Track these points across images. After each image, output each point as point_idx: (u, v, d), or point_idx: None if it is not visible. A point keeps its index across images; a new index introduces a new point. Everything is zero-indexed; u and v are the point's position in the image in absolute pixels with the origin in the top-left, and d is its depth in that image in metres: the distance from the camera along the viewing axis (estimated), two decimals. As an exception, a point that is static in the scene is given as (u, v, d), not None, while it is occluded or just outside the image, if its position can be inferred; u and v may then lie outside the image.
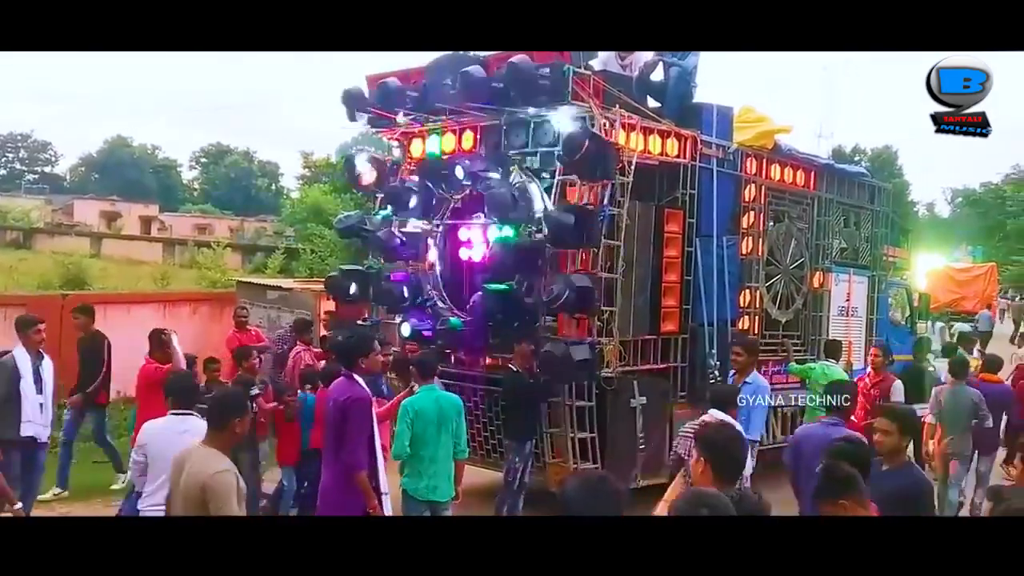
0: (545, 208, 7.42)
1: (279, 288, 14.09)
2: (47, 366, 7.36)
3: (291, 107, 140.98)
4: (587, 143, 6.98)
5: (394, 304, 8.90)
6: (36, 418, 7.14)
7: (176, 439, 4.67)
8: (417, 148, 8.89)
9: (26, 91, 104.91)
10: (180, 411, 5.08)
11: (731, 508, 2.78)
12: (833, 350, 9.45)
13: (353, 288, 9.06)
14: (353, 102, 8.62)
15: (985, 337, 21.40)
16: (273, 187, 78.47)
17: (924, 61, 4.74)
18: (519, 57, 7.28)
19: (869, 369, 9.09)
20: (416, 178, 8.70)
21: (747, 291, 9.32)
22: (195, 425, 4.84)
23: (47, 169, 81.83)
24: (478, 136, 8.27)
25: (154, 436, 5.05)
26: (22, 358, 7.19)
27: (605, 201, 7.50)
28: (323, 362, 8.45)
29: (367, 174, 9.10)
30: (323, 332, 10.61)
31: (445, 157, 8.42)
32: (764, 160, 9.54)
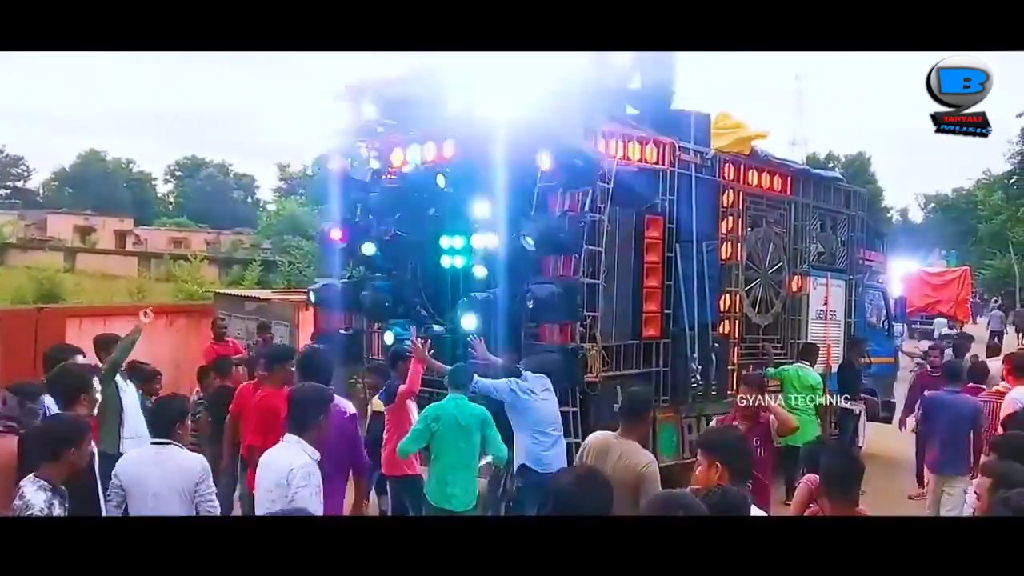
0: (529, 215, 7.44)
1: (257, 299, 14.03)
2: (131, 384, 7.06)
3: (267, 120, 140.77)
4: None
5: (377, 313, 8.88)
6: (139, 433, 6.63)
7: (149, 470, 4.53)
8: (398, 157, 8.89)
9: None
10: (160, 440, 4.73)
11: (704, 509, 2.83)
12: (808, 353, 9.55)
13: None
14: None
15: (997, 337, 22.13)
16: (249, 200, 78.20)
17: (908, 61, 4.78)
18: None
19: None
20: (397, 187, 8.69)
21: (727, 295, 9.39)
22: (172, 455, 4.63)
23: (19, 184, 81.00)
24: (458, 144, 8.28)
25: (127, 467, 4.73)
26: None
27: (586, 208, 7.54)
28: None
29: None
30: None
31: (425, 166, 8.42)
32: (741, 166, 9.62)
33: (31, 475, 4.01)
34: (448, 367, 6.77)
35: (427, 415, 6.13)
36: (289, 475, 4.09)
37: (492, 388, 6.66)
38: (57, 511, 3.93)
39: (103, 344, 7.14)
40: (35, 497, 3.89)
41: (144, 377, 7.58)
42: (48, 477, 4.00)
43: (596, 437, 5.05)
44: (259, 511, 4.26)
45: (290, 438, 4.31)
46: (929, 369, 10.27)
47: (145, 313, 6.97)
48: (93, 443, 4.46)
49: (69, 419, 4.36)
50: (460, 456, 6.08)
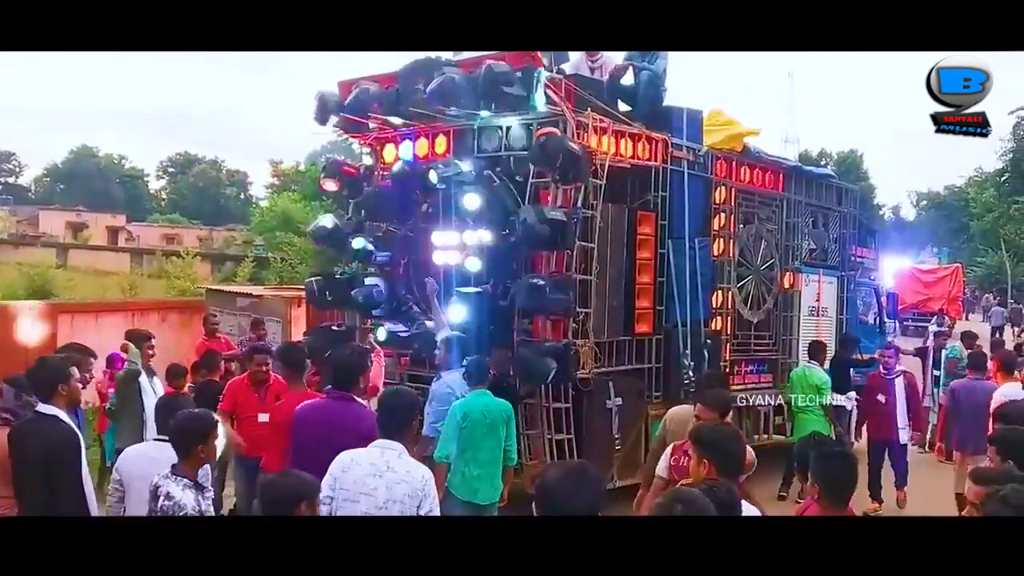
0: (519, 211, 7.43)
1: (249, 295, 14.00)
2: (157, 383, 7.17)
3: (259, 116, 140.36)
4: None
5: (370, 309, 8.86)
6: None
7: (148, 465, 4.43)
8: (390, 153, 8.87)
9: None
10: (162, 437, 4.62)
11: (707, 504, 2.84)
12: (816, 352, 9.52)
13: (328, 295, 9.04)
14: (325, 107, 8.57)
15: (998, 332, 22.37)
16: (242, 196, 78.00)
17: (904, 60, 4.80)
18: (491, 62, 7.28)
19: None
20: (389, 183, 8.68)
21: (719, 292, 9.39)
22: (172, 452, 4.41)
23: (11, 180, 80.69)
24: (451, 140, 8.28)
25: (126, 462, 4.78)
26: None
27: (578, 204, 7.53)
28: None
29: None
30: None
31: (418, 161, 8.40)
32: (734, 162, 9.63)
33: (168, 474, 4.03)
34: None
35: (455, 413, 6.13)
36: (425, 486, 4.02)
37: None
38: (204, 507, 3.98)
39: (135, 339, 7.37)
40: (185, 496, 3.92)
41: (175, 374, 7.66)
42: (186, 474, 4.03)
43: (678, 410, 5.83)
44: (360, 512, 3.97)
45: (394, 444, 4.12)
46: (883, 371, 9.47)
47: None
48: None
49: (196, 415, 4.32)
50: (488, 451, 6.10)
